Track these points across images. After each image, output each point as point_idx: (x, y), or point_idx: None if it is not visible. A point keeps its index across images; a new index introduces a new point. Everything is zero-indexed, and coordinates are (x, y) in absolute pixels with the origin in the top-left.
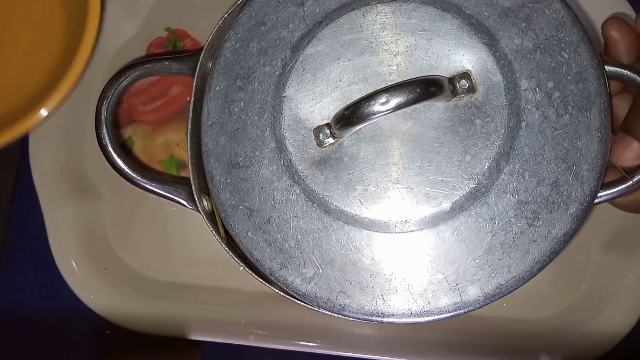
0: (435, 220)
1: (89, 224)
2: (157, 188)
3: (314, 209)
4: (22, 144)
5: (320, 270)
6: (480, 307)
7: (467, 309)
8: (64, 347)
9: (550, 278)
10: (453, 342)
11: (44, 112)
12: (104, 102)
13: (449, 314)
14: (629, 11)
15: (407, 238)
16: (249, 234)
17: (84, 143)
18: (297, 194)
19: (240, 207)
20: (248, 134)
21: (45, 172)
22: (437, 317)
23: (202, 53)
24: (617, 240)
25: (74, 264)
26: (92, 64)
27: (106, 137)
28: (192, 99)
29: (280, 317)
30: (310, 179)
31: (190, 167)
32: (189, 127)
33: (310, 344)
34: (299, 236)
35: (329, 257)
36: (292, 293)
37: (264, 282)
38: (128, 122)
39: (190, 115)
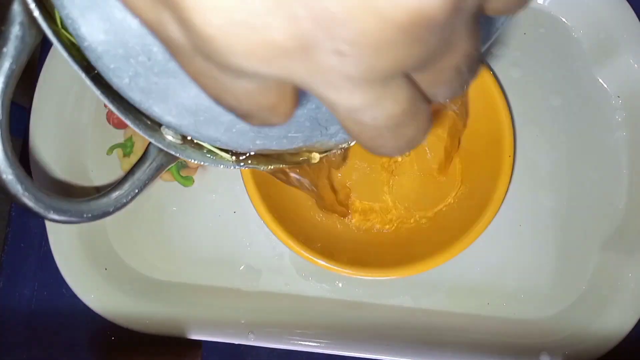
0: None
1: (89, 224)
2: None
3: None
4: (23, 144)
5: None
6: None
7: None
8: (64, 347)
9: (550, 278)
10: (453, 342)
11: None
12: None
13: None
14: (629, 11)
15: None
16: None
17: (84, 143)
18: None
19: None
20: None
21: (45, 172)
22: None
23: None
24: (617, 240)
25: (74, 264)
26: None
27: None
28: None
29: (280, 317)
30: None
31: None
32: None
33: (310, 343)
34: None
35: None
36: None
37: None
38: None
39: None
